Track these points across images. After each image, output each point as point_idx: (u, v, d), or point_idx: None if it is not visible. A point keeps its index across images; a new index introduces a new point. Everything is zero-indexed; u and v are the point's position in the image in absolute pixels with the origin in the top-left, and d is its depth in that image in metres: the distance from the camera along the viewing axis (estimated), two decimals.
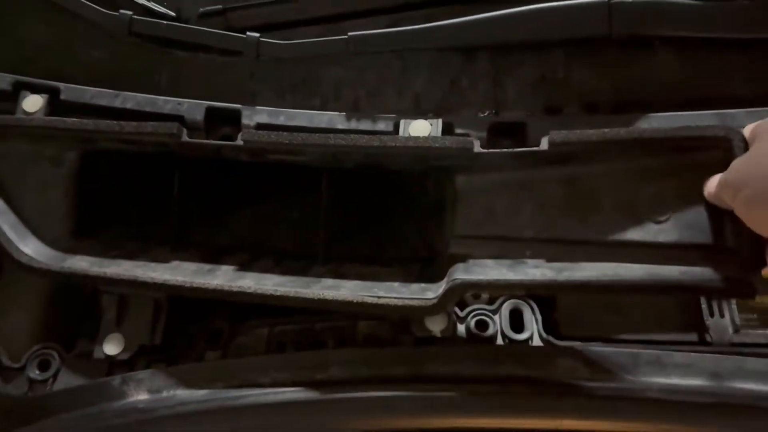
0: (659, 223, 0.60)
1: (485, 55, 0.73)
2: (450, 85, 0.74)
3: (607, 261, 0.59)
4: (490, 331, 0.72)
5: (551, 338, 0.70)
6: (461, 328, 0.72)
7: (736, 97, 0.69)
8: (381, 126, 0.72)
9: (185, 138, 0.68)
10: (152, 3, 0.82)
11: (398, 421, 0.66)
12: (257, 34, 0.76)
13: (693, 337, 0.71)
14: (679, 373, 0.65)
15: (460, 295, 0.67)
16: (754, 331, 0.70)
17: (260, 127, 0.74)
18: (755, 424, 0.64)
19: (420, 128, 0.68)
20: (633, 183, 0.62)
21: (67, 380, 0.73)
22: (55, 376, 0.74)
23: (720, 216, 0.57)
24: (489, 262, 0.64)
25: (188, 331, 0.78)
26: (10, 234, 0.71)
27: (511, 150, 0.62)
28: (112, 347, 0.74)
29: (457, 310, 0.73)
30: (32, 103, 0.76)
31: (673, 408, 0.63)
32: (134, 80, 0.79)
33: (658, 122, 0.68)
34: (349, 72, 0.76)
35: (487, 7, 0.71)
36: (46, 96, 0.76)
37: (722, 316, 0.70)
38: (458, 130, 0.70)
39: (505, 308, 0.73)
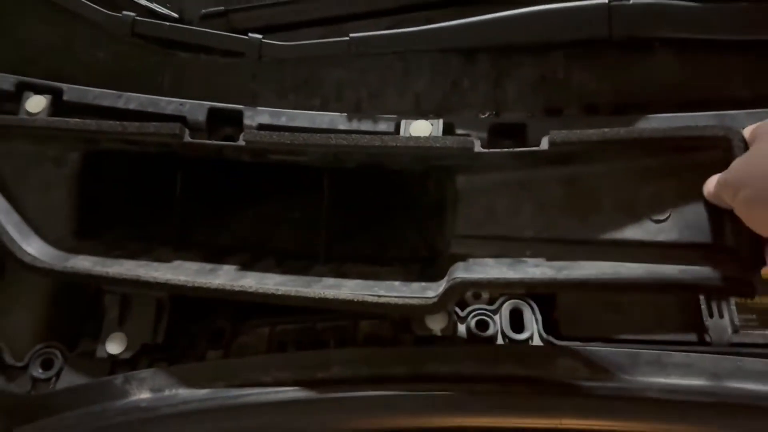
0: (659, 222, 0.60)
1: (486, 57, 0.74)
2: (451, 86, 0.74)
3: (607, 260, 0.60)
4: (491, 330, 0.72)
5: (551, 338, 0.70)
6: (462, 327, 0.73)
7: (735, 98, 0.69)
8: (382, 127, 0.72)
9: (187, 138, 0.68)
10: (155, 4, 0.82)
11: (398, 420, 0.66)
12: (259, 36, 0.76)
13: (692, 337, 0.71)
14: (678, 373, 0.65)
15: (461, 294, 0.68)
16: (753, 332, 0.70)
17: (262, 127, 0.74)
18: (754, 424, 0.64)
19: (421, 128, 0.68)
20: (633, 183, 0.62)
21: (70, 379, 0.74)
22: (58, 375, 0.74)
23: (720, 216, 0.57)
24: (489, 261, 0.64)
25: (190, 330, 0.78)
26: (14, 234, 0.71)
27: (511, 150, 0.63)
28: (114, 346, 0.74)
29: (457, 309, 0.74)
30: (35, 103, 0.76)
31: (673, 408, 0.64)
32: (137, 81, 0.79)
33: (658, 123, 0.68)
34: (351, 73, 0.76)
35: (487, 9, 0.72)
36: (49, 97, 0.77)
37: (721, 316, 0.71)
38: (459, 131, 0.70)
39: (506, 308, 0.73)
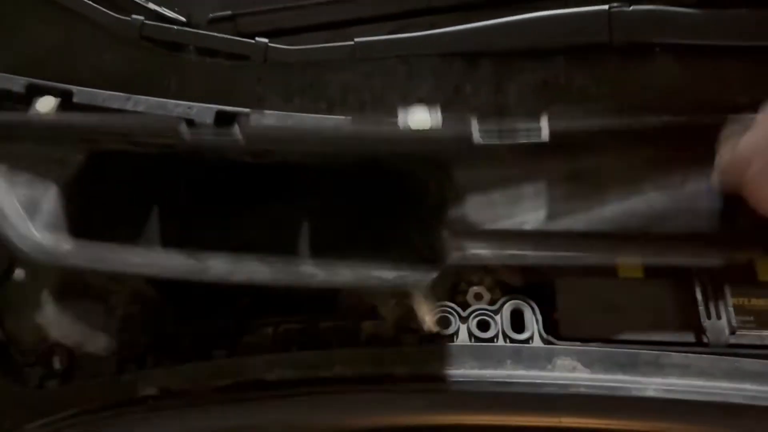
0: (665, 211, 0.60)
1: (488, 62, 0.75)
2: (454, 91, 0.75)
3: (610, 251, 0.60)
4: (492, 331, 0.73)
5: (551, 338, 0.72)
6: (463, 328, 0.74)
7: (736, 104, 0.70)
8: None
9: (186, 133, 0.68)
10: (163, 8, 0.83)
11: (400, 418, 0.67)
12: (266, 40, 0.78)
13: (690, 338, 0.72)
14: (676, 373, 0.66)
15: (456, 279, 0.70)
16: (751, 333, 0.71)
17: None
18: (751, 424, 0.65)
19: (420, 117, 0.68)
20: (637, 171, 0.62)
21: (78, 376, 0.75)
22: (66, 372, 0.75)
23: (728, 201, 0.57)
24: (488, 252, 0.65)
25: (196, 329, 0.80)
26: (17, 230, 0.72)
27: (511, 142, 0.63)
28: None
29: (459, 310, 0.75)
30: (45, 104, 0.77)
31: (671, 407, 0.65)
32: (144, 84, 0.80)
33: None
34: (356, 77, 0.77)
35: (490, 15, 0.73)
36: (59, 99, 0.77)
37: (719, 318, 0.72)
38: None
39: (506, 309, 0.74)
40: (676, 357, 0.67)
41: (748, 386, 0.64)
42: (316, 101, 0.77)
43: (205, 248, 0.78)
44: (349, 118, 0.74)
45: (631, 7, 0.70)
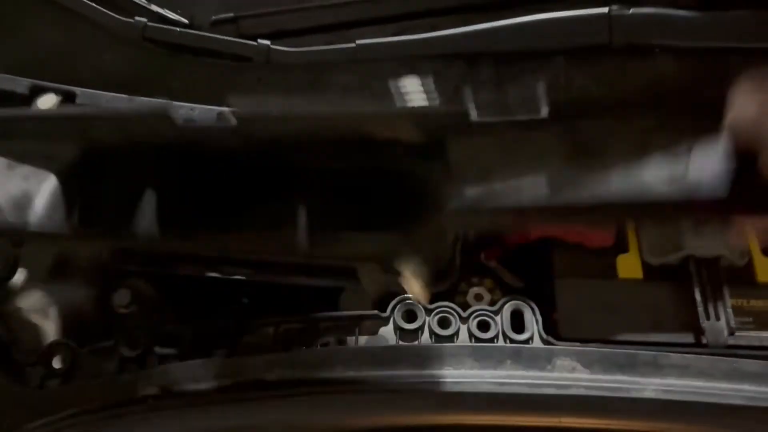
0: (674, 176, 0.57)
1: (489, 63, 0.75)
2: (454, 92, 0.76)
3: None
4: (492, 331, 0.73)
5: (551, 339, 0.72)
6: (463, 328, 0.74)
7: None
8: None
9: (175, 114, 0.65)
10: (166, 10, 0.84)
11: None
12: (268, 42, 0.78)
13: (689, 339, 0.72)
14: (675, 374, 0.66)
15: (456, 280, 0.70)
16: (749, 334, 0.71)
17: None
18: (750, 424, 0.65)
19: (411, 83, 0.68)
20: (643, 138, 0.60)
21: (80, 375, 0.75)
22: (67, 371, 0.75)
23: (741, 162, 0.54)
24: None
25: (196, 329, 0.80)
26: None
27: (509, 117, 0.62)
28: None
29: (459, 311, 0.75)
30: (46, 101, 0.77)
31: (670, 408, 0.65)
32: (146, 86, 0.81)
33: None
34: (357, 78, 0.77)
35: (490, 17, 0.73)
36: (60, 97, 0.78)
37: (718, 319, 0.72)
38: None
39: (506, 309, 0.75)
40: (674, 358, 0.67)
41: (746, 387, 0.65)
42: (318, 102, 0.78)
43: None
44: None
45: (631, 10, 0.70)
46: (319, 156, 0.71)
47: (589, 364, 0.67)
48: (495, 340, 0.73)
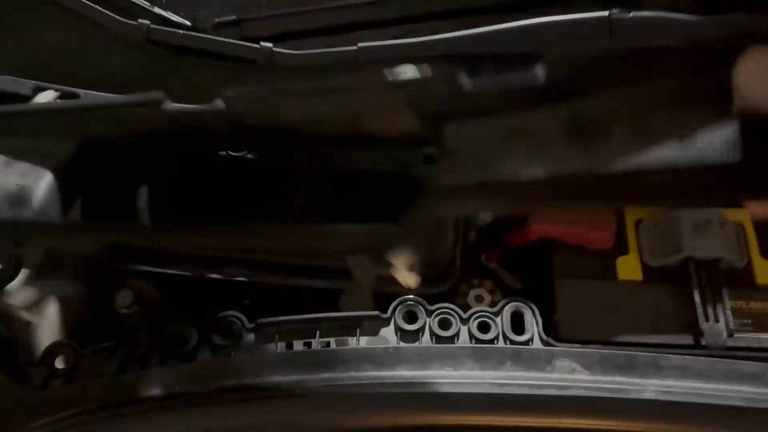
0: (680, 147, 0.55)
1: (489, 65, 0.76)
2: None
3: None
4: (492, 332, 0.73)
5: (551, 340, 0.72)
6: (464, 329, 0.74)
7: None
8: None
9: (167, 104, 0.68)
10: (169, 13, 0.84)
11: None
12: (270, 44, 0.78)
13: (689, 340, 0.73)
14: (674, 375, 0.66)
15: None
16: (748, 335, 0.72)
17: None
18: (749, 426, 0.66)
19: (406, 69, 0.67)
20: (647, 107, 0.59)
21: (82, 375, 0.75)
22: (69, 371, 0.75)
23: (752, 129, 0.53)
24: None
25: (199, 329, 0.80)
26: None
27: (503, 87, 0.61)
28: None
29: (460, 312, 0.75)
30: (44, 97, 0.77)
31: (669, 409, 0.65)
32: (149, 87, 0.81)
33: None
34: (358, 80, 0.78)
35: (491, 20, 0.73)
36: (59, 93, 0.78)
37: (717, 320, 0.72)
38: None
39: (507, 311, 0.75)
40: (674, 359, 0.67)
41: (745, 388, 0.65)
42: (319, 104, 0.78)
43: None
44: None
45: (631, 14, 0.71)
46: (311, 150, 0.72)
47: (588, 365, 0.67)
48: (495, 342, 0.73)
